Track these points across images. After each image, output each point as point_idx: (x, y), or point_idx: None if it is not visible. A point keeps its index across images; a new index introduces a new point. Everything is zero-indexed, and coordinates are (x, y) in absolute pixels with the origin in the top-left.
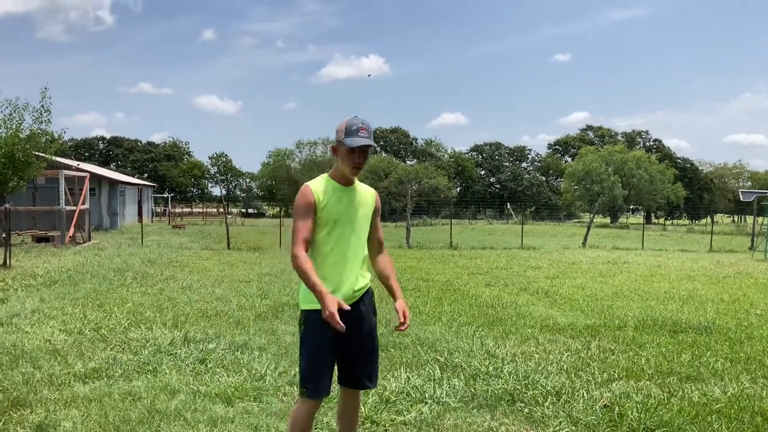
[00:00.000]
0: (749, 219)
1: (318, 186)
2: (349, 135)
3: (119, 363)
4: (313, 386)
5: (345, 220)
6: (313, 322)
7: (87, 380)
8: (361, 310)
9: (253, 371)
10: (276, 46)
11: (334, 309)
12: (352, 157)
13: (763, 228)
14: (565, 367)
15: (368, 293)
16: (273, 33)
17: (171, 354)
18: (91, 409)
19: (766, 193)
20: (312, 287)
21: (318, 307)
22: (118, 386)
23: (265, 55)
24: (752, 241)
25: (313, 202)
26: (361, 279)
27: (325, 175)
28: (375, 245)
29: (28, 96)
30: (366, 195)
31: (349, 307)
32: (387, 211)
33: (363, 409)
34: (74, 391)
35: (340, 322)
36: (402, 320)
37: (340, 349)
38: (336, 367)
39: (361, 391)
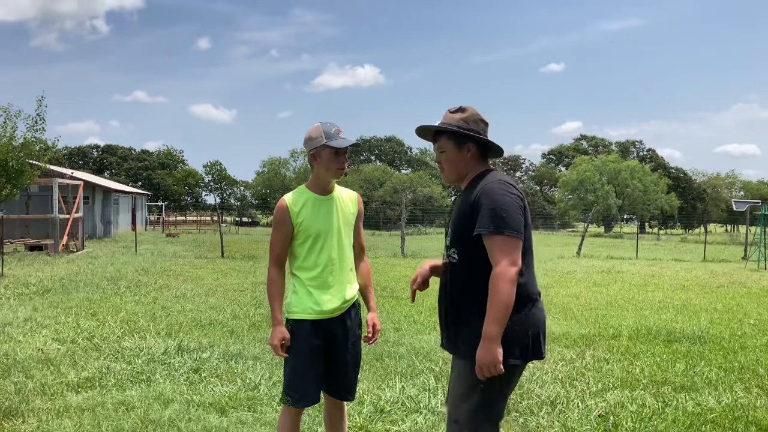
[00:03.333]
0: (742, 229)
1: (293, 199)
2: (331, 138)
3: (112, 372)
4: (296, 395)
5: (325, 233)
6: (299, 332)
7: (80, 390)
8: (346, 323)
9: (248, 381)
10: (270, 55)
11: (276, 342)
12: (338, 159)
13: (756, 238)
14: (559, 377)
15: (355, 306)
16: (267, 42)
17: (165, 363)
18: (84, 418)
19: (758, 203)
20: (271, 312)
21: (305, 317)
22: (111, 396)
23: (260, 65)
24: (745, 250)
25: (289, 216)
26: (349, 289)
27: (303, 186)
28: (356, 250)
29: (22, 104)
30: (347, 201)
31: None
32: (382, 220)
33: (358, 419)
34: (67, 400)
35: (282, 353)
36: (370, 333)
37: (325, 360)
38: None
39: (346, 402)
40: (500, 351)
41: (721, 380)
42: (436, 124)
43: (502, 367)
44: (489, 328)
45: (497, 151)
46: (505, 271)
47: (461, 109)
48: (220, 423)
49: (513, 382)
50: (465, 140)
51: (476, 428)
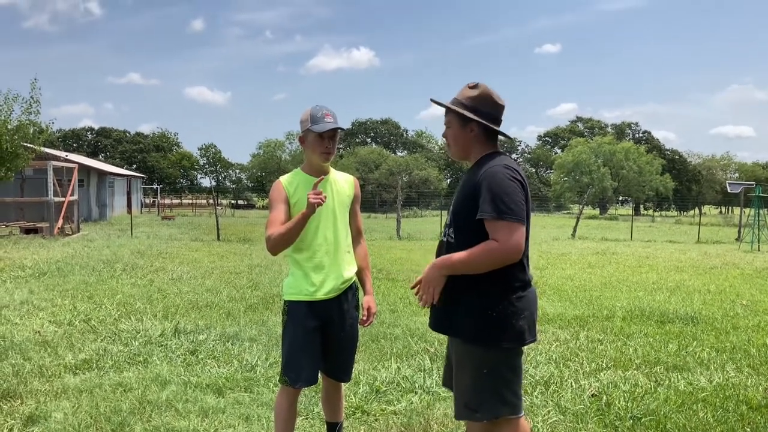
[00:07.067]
0: (736, 210)
1: (289, 180)
2: (315, 122)
3: (110, 354)
4: (293, 375)
5: (319, 213)
6: (295, 313)
7: (77, 371)
8: (343, 305)
9: (244, 362)
10: (264, 36)
11: (313, 201)
12: (321, 143)
13: (750, 219)
14: (553, 357)
15: (352, 288)
16: (261, 23)
17: (161, 345)
18: (82, 399)
19: (752, 184)
20: (294, 225)
21: (301, 298)
22: (108, 377)
23: (254, 46)
24: (739, 232)
25: (285, 195)
26: (346, 271)
27: (297, 169)
28: (353, 233)
29: (14, 85)
30: (342, 183)
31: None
32: (377, 203)
33: (354, 399)
34: (64, 382)
35: (322, 195)
36: (365, 316)
37: (322, 341)
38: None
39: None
40: (442, 280)
41: (713, 360)
42: (451, 98)
43: (436, 292)
44: (449, 261)
45: (502, 136)
46: (502, 247)
47: (474, 87)
48: (217, 404)
49: (517, 364)
50: (468, 120)
51: (491, 411)
